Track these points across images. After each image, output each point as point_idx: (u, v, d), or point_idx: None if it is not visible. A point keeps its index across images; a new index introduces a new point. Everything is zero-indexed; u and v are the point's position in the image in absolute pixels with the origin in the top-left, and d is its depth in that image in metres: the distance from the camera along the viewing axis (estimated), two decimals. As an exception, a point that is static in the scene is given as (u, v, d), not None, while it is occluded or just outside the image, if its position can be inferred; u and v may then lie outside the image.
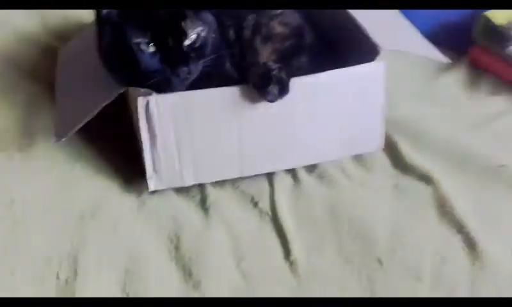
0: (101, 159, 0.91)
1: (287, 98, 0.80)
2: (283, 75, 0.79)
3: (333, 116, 0.87)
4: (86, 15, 1.22)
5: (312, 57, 0.94)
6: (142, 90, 0.79)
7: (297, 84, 0.81)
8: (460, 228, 0.79)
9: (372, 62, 0.85)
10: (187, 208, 0.85)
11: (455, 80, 1.11)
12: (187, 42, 0.77)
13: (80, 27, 1.16)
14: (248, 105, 0.82)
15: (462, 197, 0.84)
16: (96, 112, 0.80)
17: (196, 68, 0.78)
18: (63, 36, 1.15)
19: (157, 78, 0.77)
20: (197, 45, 0.78)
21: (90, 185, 0.87)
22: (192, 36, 0.78)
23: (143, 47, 0.76)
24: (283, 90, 0.79)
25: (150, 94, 0.79)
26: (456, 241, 0.78)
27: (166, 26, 0.76)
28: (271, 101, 0.79)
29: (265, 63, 0.81)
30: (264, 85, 0.78)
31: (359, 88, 0.87)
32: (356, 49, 0.91)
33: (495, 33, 1.10)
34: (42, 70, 1.06)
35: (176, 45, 0.77)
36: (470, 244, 0.77)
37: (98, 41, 0.82)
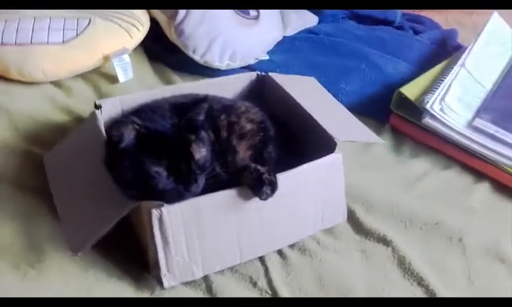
0: (108, 262, 0.99)
1: (273, 193, 0.97)
2: (273, 177, 0.96)
3: (307, 200, 1.04)
4: (52, 115, 1.29)
5: (275, 146, 1.13)
6: (155, 203, 0.91)
7: (280, 179, 0.98)
8: (420, 281, 1.01)
9: (333, 154, 1.05)
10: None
11: (382, 146, 1.33)
12: (195, 163, 0.91)
13: (52, 128, 1.22)
14: (243, 203, 0.96)
15: (414, 253, 1.05)
16: (111, 226, 0.90)
17: (202, 181, 0.92)
18: (36, 138, 1.19)
19: (171, 195, 0.90)
20: (201, 162, 0.93)
21: (107, 290, 0.95)
22: (198, 157, 0.92)
23: (160, 173, 0.88)
24: (274, 189, 0.95)
25: (161, 205, 0.91)
26: (419, 293, 0.99)
27: (178, 153, 0.89)
28: (265, 199, 0.95)
29: (256, 168, 0.96)
30: (259, 187, 0.94)
31: (325, 175, 1.06)
32: (313, 139, 1.11)
33: (410, 106, 1.33)
34: (28, 177, 1.10)
35: (187, 167, 0.90)
36: (431, 294, 0.99)
37: (108, 163, 0.93)
